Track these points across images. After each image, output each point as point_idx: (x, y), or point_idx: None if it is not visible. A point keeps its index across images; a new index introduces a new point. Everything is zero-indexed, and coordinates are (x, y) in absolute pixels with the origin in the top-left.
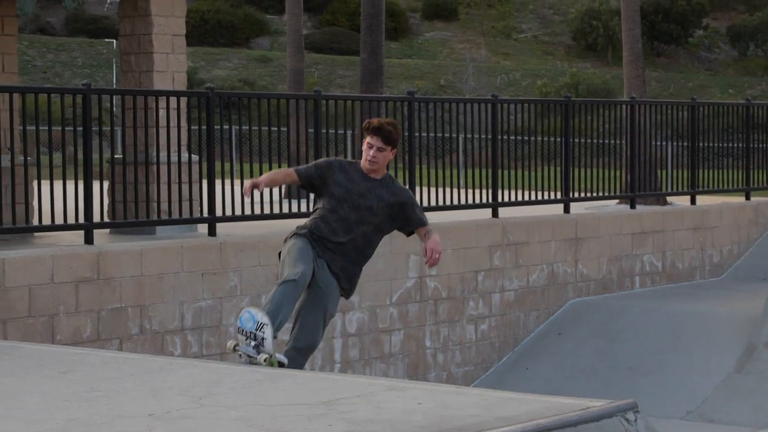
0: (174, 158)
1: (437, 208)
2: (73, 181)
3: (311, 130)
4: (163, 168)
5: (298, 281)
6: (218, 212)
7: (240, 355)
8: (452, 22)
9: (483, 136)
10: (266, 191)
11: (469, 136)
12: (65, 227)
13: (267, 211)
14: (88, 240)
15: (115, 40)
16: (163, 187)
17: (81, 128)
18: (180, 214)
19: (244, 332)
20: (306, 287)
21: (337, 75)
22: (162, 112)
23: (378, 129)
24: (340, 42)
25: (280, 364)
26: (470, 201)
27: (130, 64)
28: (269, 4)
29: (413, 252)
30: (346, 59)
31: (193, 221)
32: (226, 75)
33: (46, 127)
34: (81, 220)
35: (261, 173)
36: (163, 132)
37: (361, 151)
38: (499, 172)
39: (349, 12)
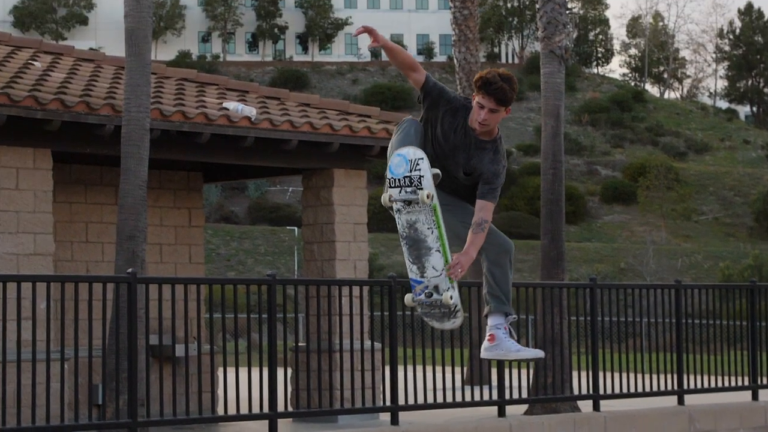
0: (356, 346)
1: (621, 396)
2: (257, 369)
3: None
4: (346, 355)
5: (408, 120)
6: (400, 400)
7: (395, 209)
8: (631, 205)
9: (666, 320)
10: (447, 375)
11: (651, 320)
12: (250, 417)
13: (450, 399)
14: (272, 429)
15: (296, 228)
16: (346, 375)
17: (266, 316)
18: (363, 402)
19: (397, 181)
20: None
21: (516, 259)
22: (344, 300)
23: (491, 87)
24: (519, 226)
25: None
26: (654, 387)
27: (312, 252)
28: None
29: None
30: (525, 243)
31: (375, 410)
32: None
33: (232, 315)
34: (265, 408)
35: (443, 359)
36: (345, 319)
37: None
38: (684, 356)
39: (528, 196)
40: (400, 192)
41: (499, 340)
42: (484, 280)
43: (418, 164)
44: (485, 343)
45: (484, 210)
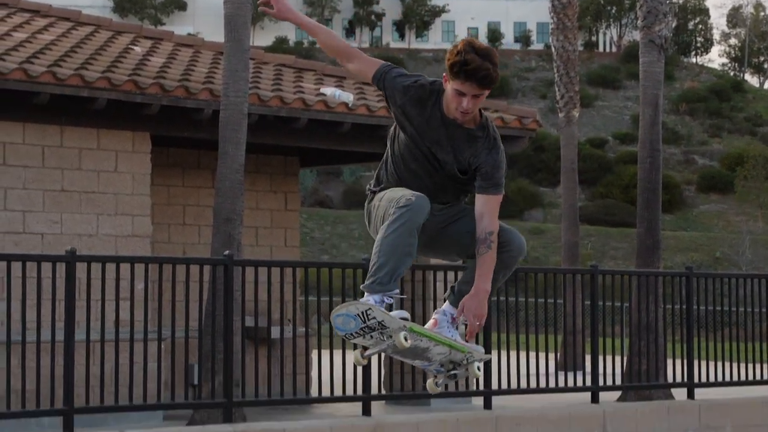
0: None
1: (716, 384)
2: (351, 352)
3: (587, 302)
4: None
5: (414, 203)
6: (494, 385)
7: (374, 353)
8: (728, 195)
9: (762, 310)
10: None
11: (747, 309)
12: (343, 399)
13: (543, 384)
14: (366, 411)
15: None
16: None
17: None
18: (456, 386)
19: (354, 335)
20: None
21: (610, 247)
22: (438, 284)
23: (470, 70)
24: (614, 214)
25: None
26: (750, 376)
27: None
28: (543, 177)
29: (691, 428)
30: (620, 231)
31: (468, 394)
32: None
33: (326, 298)
34: (359, 391)
35: (536, 344)
36: (439, 304)
37: None
38: None
39: (623, 185)
40: (365, 338)
41: (441, 327)
42: (471, 269)
43: (367, 315)
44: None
45: (487, 213)
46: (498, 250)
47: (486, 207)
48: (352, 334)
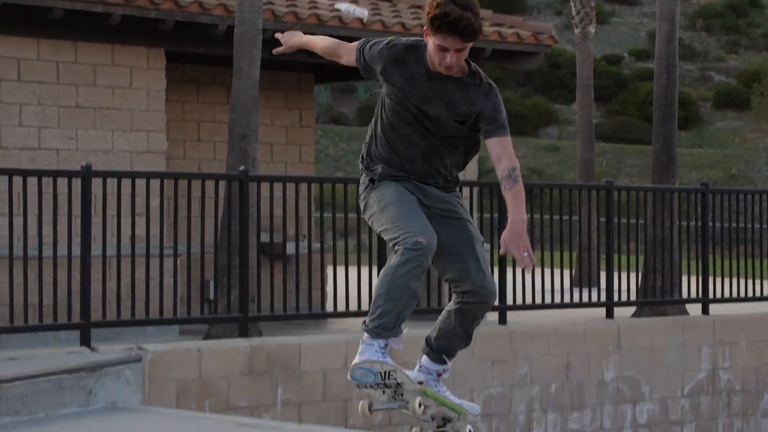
0: None
1: (731, 300)
2: (366, 268)
3: (602, 219)
4: None
5: (426, 246)
6: (509, 300)
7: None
8: (744, 111)
9: None
10: (556, 278)
11: (764, 226)
12: (358, 314)
13: (557, 300)
14: None
15: None
16: None
17: None
18: None
19: (366, 386)
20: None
21: (625, 164)
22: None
23: (452, 24)
24: (629, 131)
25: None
26: (766, 292)
27: None
28: (558, 94)
29: (706, 343)
30: (635, 148)
31: None
32: None
33: (341, 215)
34: None
35: (552, 261)
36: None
37: None
38: None
39: (639, 101)
40: (377, 392)
41: (428, 385)
42: (443, 321)
43: (389, 375)
44: None
45: (503, 152)
46: (466, 297)
47: (500, 148)
48: (365, 385)
